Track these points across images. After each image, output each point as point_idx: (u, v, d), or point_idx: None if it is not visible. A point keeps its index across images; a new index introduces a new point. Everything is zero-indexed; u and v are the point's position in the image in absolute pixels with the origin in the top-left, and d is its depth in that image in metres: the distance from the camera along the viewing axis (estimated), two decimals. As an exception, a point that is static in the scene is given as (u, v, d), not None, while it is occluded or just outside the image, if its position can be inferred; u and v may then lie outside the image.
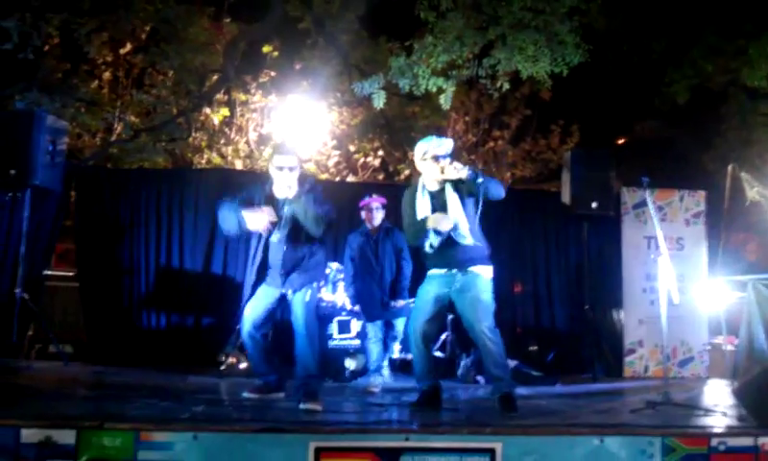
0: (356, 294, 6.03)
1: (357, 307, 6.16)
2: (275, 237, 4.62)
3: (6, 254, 6.76)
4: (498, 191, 4.42)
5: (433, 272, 4.61)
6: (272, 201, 4.58)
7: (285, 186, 4.50)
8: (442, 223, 4.40)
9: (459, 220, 4.42)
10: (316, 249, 4.70)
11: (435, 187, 4.54)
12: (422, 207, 4.51)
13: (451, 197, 4.45)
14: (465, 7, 6.51)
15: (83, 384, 5.33)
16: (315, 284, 4.74)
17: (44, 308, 7.09)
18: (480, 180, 4.26)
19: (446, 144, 4.51)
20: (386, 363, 6.03)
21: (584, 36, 6.66)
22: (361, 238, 5.89)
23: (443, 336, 6.63)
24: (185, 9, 9.45)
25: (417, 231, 4.54)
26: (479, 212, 4.42)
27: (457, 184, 4.44)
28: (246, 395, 4.70)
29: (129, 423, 3.56)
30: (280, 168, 4.50)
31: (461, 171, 4.30)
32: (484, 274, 4.51)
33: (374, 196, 5.96)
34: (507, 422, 4.04)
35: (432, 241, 4.46)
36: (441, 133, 12.37)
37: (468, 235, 4.44)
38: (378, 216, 5.88)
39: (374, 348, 5.79)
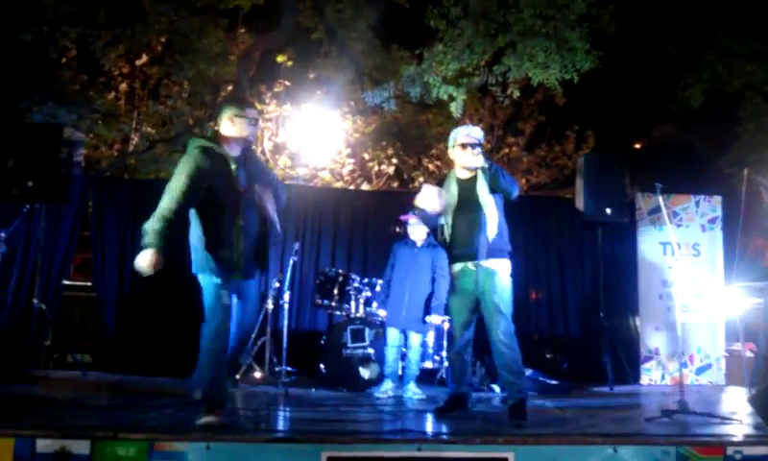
0: (386, 298, 6.10)
1: (382, 312, 6.23)
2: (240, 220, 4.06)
3: (24, 265, 6.85)
4: (509, 185, 4.58)
5: (455, 268, 4.73)
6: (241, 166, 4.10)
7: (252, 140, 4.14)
8: (427, 199, 4.57)
9: (488, 207, 4.56)
10: None
11: (465, 175, 4.73)
12: (454, 197, 4.69)
13: (481, 185, 4.60)
14: (474, 15, 6.51)
15: (98, 394, 5.37)
16: None
17: (62, 318, 7.17)
18: (492, 169, 4.50)
19: (474, 132, 4.70)
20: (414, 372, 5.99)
21: (596, 42, 6.63)
22: (405, 248, 6.00)
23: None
24: (200, 20, 9.53)
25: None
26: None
27: (486, 172, 4.60)
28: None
29: (143, 432, 3.59)
30: (253, 121, 4.09)
31: (477, 158, 4.53)
32: (502, 270, 4.60)
33: (410, 213, 5.95)
34: (517, 430, 4.02)
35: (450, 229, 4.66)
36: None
37: (492, 228, 4.54)
38: (413, 231, 5.92)
39: (390, 354, 5.83)
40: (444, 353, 6.45)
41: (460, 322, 4.71)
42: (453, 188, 4.74)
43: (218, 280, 4.01)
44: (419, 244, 5.93)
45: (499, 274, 4.57)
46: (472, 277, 4.60)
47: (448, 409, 4.66)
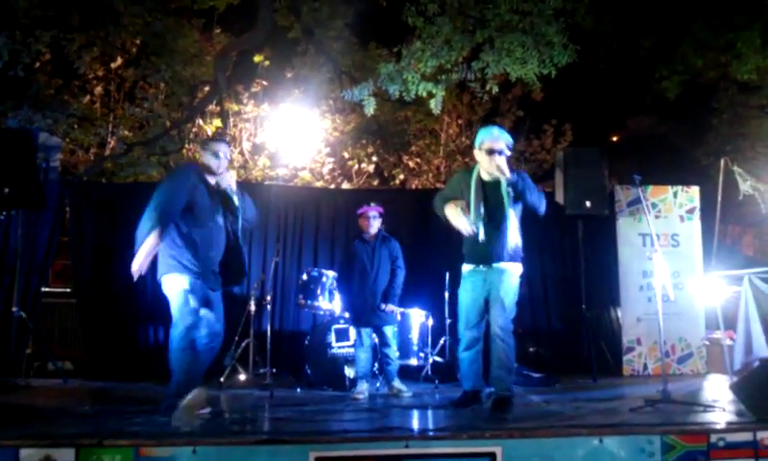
0: (348, 299, 6.09)
1: (347, 314, 6.20)
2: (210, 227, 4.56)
3: (2, 272, 6.76)
4: (537, 202, 4.64)
5: (466, 268, 4.80)
6: (214, 191, 4.65)
7: (221, 173, 4.64)
8: (456, 217, 4.60)
9: (501, 216, 4.58)
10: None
11: (488, 178, 4.68)
12: (472, 193, 4.64)
13: (502, 192, 4.58)
14: (452, 11, 6.51)
15: (81, 401, 5.31)
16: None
17: (43, 325, 7.09)
18: (520, 187, 4.52)
19: (504, 139, 4.62)
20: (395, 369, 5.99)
21: (572, 36, 6.66)
22: (363, 245, 5.92)
23: (441, 341, 6.65)
24: (174, 21, 9.47)
25: (441, 204, 4.78)
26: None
27: (509, 187, 4.58)
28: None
29: (128, 439, 3.56)
30: (217, 155, 4.63)
31: (501, 173, 4.50)
32: (512, 270, 4.68)
33: (373, 205, 5.97)
34: (503, 425, 4.04)
35: (481, 231, 4.60)
36: (434, 136, 12.42)
37: (509, 234, 4.59)
38: (375, 224, 5.90)
39: (362, 355, 5.79)
40: (428, 350, 6.47)
41: (468, 321, 4.76)
42: (475, 189, 4.65)
43: (186, 285, 4.36)
44: (370, 239, 5.91)
45: (509, 273, 4.66)
46: (482, 276, 4.70)
47: (463, 404, 4.76)
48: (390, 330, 5.83)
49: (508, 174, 4.50)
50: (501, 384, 4.58)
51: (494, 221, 4.61)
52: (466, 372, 4.81)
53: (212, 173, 4.64)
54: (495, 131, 4.66)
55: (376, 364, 6.02)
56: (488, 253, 4.63)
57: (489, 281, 4.66)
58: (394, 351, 5.84)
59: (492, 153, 4.54)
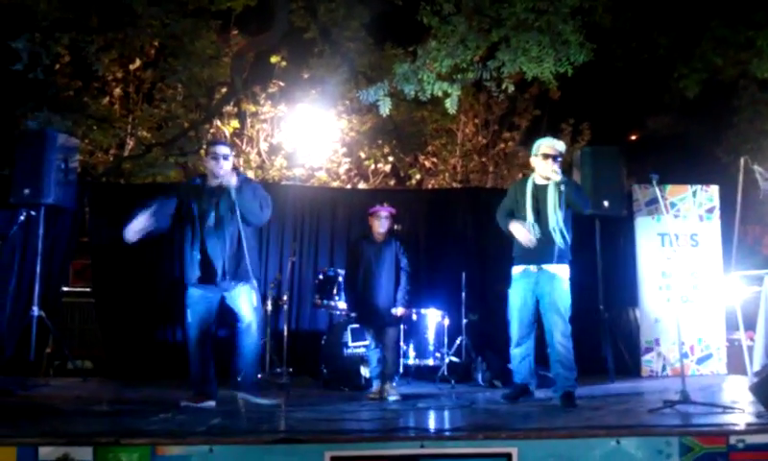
0: (351, 298, 5.95)
1: (353, 314, 6.12)
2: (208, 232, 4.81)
3: (22, 272, 6.84)
4: (582, 202, 5.12)
5: (516, 270, 5.19)
6: (206, 196, 4.83)
7: (222, 173, 4.78)
8: (520, 232, 5.03)
9: (550, 217, 5.01)
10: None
11: (541, 182, 5.13)
12: (527, 198, 5.11)
13: (552, 194, 5.03)
14: (467, 10, 6.50)
15: (99, 400, 5.36)
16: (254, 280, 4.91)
17: (63, 325, 7.15)
18: (562, 186, 4.95)
19: (557, 145, 5.11)
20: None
21: (590, 35, 6.62)
22: (369, 245, 5.86)
23: (457, 340, 6.62)
24: (192, 23, 9.51)
25: (504, 218, 5.24)
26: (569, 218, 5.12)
27: (559, 186, 5.00)
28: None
29: (145, 437, 3.59)
30: (216, 157, 4.81)
31: (555, 174, 4.96)
32: (562, 274, 5.06)
33: (385, 205, 5.94)
34: (521, 425, 4.03)
35: (535, 233, 5.02)
36: (450, 136, 12.40)
37: (558, 235, 4.99)
38: (386, 225, 5.84)
39: (373, 355, 5.74)
40: (444, 350, 6.45)
41: (520, 321, 5.14)
42: (529, 193, 5.11)
43: (189, 287, 4.88)
44: (382, 239, 5.86)
45: (560, 277, 5.03)
46: (533, 278, 5.07)
47: (514, 396, 5.15)
48: (392, 332, 5.76)
49: (557, 176, 4.94)
50: (567, 382, 4.97)
51: (546, 223, 5.02)
52: (517, 367, 5.21)
53: (215, 176, 4.81)
54: (552, 139, 5.16)
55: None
56: (539, 254, 5.02)
57: (540, 284, 5.05)
58: (391, 354, 5.74)
59: (548, 157, 5.02)
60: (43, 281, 6.59)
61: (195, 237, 4.83)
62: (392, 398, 5.42)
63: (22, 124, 8.83)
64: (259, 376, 5.66)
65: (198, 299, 4.87)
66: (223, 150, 4.89)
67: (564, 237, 5.03)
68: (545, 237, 5.01)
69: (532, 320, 5.15)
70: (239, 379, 4.88)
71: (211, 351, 4.92)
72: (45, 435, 3.60)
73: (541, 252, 5.01)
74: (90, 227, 7.33)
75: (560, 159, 5.05)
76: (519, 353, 5.18)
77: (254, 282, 4.88)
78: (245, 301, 4.86)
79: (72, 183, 6.71)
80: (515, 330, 5.19)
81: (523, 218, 5.09)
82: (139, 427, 3.92)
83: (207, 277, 4.81)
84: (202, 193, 4.87)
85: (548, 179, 5.05)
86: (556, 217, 5.00)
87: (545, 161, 5.04)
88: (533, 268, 5.08)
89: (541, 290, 5.05)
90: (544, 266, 5.03)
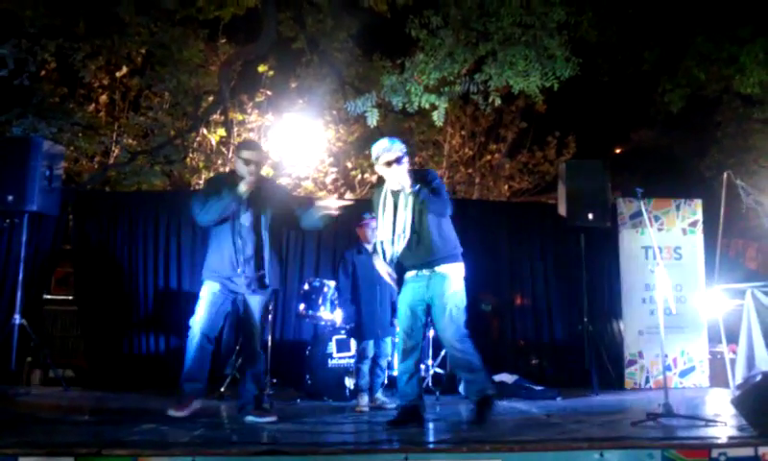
0: (355, 312, 5.88)
1: (349, 326, 6.08)
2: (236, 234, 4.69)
3: (4, 279, 6.77)
4: (439, 208, 4.47)
5: (407, 275, 4.66)
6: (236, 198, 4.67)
7: (251, 180, 4.65)
8: (381, 268, 4.63)
9: (416, 220, 4.48)
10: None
11: (396, 187, 4.57)
12: (386, 207, 4.60)
13: (409, 198, 4.48)
14: (455, 24, 6.54)
15: (81, 410, 5.31)
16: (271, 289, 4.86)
17: (44, 333, 7.08)
18: (421, 197, 4.40)
19: (395, 149, 4.51)
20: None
21: (576, 49, 6.69)
22: (362, 256, 5.82)
23: (442, 352, 6.61)
24: (180, 31, 9.50)
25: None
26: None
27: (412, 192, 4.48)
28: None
29: (127, 448, 3.55)
30: (248, 162, 4.67)
31: (406, 185, 4.43)
32: (451, 273, 4.53)
33: (374, 215, 5.90)
34: (504, 437, 4.02)
35: (404, 239, 4.51)
36: (437, 147, 12.45)
37: (433, 235, 4.49)
38: (372, 234, 5.82)
39: (365, 367, 5.71)
40: (429, 361, 6.44)
41: (404, 332, 4.59)
42: (389, 201, 4.60)
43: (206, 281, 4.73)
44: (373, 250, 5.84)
45: (450, 278, 4.52)
46: (424, 282, 4.55)
47: (401, 422, 4.49)
48: (390, 341, 5.82)
49: (409, 188, 4.43)
50: (475, 386, 4.51)
51: (413, 228, 4.50)
52: (402, 388, 4.59)
53: (244, 179, 4.66)
54: (386, 142, 4.56)
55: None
56: (422, 258, 4.53)
57: (429, 285, 4.53)
58: (385, 363, 5.79)
59: (390, 164, 4.48)
60: (25, 289, 6.52)
61: (228, 233, 4.68)
62: (391, 405, 5.45)
63: (7, 130, 8.77)
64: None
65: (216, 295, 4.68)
66: (253, 155, 4.78)
67: (441, 236, 4.52)
68: (419, 239, 4.50)
69: (420, 329, 4.58)
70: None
71: (211, 353, 4.74)
72: (25, 445, 3.54)
73: (424, 255, 4.51)
74: (74, 234, 7.28)
75: (403, 162, 4.49)
76: (405, 370, 4.54)
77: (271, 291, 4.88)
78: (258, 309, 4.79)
79: (56, 191, 6.65)
80: (399, 342, 4.67)
81: (389, 227, 4.56)
82: (121, 438, 3.88)
83: (228, 274, 4.65)
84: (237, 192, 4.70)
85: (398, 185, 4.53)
86: (421, 218, 4.48)
87: (389, 168, 4.48)
88: (425, 271, 4.53)
89: (431, 294, 4.51)
90: (436, 268, 4.51)
